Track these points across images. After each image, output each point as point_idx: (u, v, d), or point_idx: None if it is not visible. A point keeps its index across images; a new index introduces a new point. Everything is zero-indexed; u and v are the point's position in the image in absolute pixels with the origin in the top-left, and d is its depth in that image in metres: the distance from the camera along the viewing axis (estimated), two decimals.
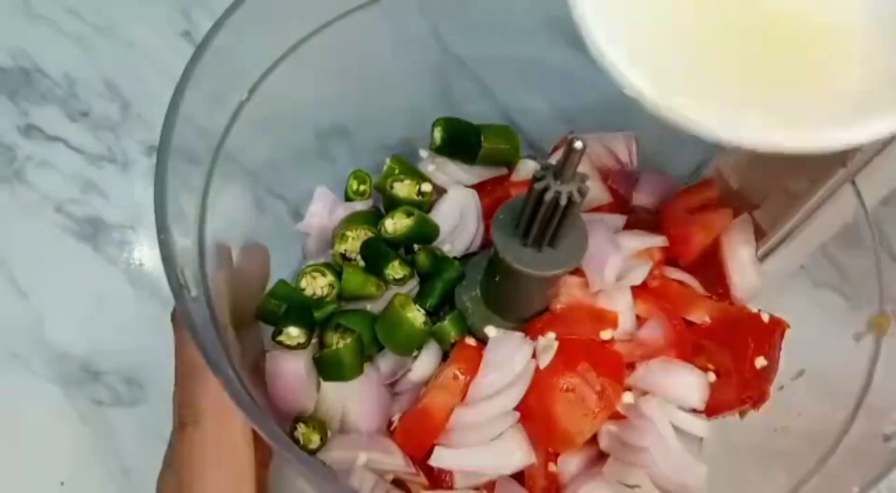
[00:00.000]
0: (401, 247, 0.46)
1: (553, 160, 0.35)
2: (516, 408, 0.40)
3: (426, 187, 0.47)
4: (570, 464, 0.41)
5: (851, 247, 0.42)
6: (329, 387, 0.42)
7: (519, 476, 0.40)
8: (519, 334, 0.42)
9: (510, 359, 0.40)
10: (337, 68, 0.46)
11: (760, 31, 0.24)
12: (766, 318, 0.43)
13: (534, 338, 0.41)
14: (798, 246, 0.46)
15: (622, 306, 0.43)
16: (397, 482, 0.40)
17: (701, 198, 0.49)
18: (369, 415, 0.42)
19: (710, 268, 0.48)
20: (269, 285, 0.43)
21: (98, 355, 0.53)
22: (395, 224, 0.45)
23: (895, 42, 0.24)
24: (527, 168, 0.50)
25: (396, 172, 0.49)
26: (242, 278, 0.40)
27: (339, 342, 0.41)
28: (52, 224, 0.58)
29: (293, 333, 0.40)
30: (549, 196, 0.34)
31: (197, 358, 0.32)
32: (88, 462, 0.50)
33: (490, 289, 0.43)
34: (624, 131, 0.52)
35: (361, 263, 0.45)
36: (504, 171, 0.51)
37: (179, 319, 0.33)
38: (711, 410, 0.42)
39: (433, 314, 0.44)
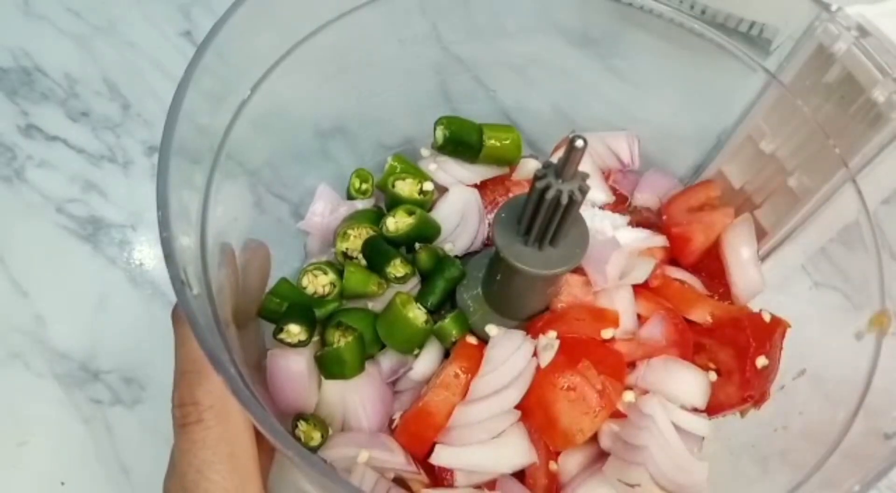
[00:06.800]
0: (402, 246, 0.46)
1: (554, 159, 0.35)
2: (517, 407, 0.40)
3: (428, 186, 0.47)
4: (570, 462, 0.41)
5: (852, 247, 0.41)
6: (330, 385, 0.42)
7: (520, 475, 0.40)
8: (520, 333, 0.42)
9: (511, 358, 0.40)
10: (338, 68, 0.46)
11: None
12: (767, 317, 0.43)
13: (535, 337, 0.41)
14: (799, 246, 0.46)
15: (623, 305, 0.43)
16: (398, 481, 0.40)
17: (702, 197, 0.49)
18: (370, 413, 0.42)
19: (712, 267, 0.48)
20: (271, 284, 0.43)
21: (98, 355, 0.53)
22: (397, 223, 0.45)
23: None
24: (528, 167, 0.50)
25: (398, 170, 0.49)
26: (244, 276, 0.40)
27: (340, 341, 0.41)
28: (53, 224, 0.58)
29: (294, 330, 0.40)
30: (550, 195, 0.34)
31: (199, 356, 0.32)
32: (88, 462, 0.49)
33: (491, 288, 0.43)
34: (625, 131, 0.52)
35: (363, 261, 0.45)
36: (505, 170, 0.51)
37: (182, 316, 0.33)
38: (712, 409, 0.42)
39: (434, 313, 0.44)
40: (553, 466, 0.40)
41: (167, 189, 0.30)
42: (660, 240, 0.48)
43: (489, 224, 0.48)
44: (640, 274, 0.45)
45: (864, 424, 0.36)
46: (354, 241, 0.45)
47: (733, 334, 0.43)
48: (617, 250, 0.43)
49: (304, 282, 0.43)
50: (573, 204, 0.35)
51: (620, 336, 0.43)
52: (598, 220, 0.47)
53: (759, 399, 0.42)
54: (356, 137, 0.52)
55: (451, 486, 0.39)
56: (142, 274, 0.56)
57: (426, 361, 0.43)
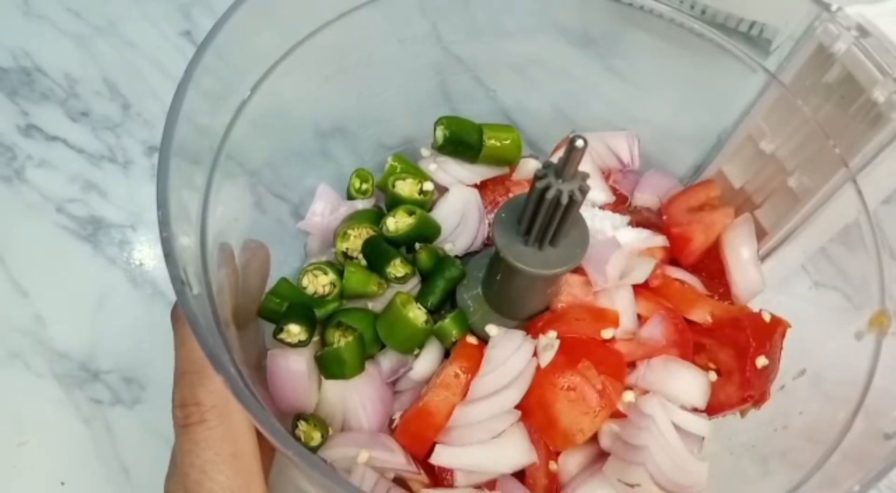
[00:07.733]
0: (402, 246, 0.46)
1: (554, 159, 0.35)
2: (517, 407, 0.40)
3: (428, 186, 0.47)
4: (570, 462, 0.41)
5: (852, 247, 0.42)
6: (330, 385, 0.42)
7: (520, 475, 0.40)
8: (520, 333, 0.42)
9: (511, 358, 0.40)
10: (338, 68, 0.46)
11: None
12: (767, 317, 0.43)
13: (535, 337, 0.41)
14: (799, 246, 0.46)
15: (623, 305, 0.43)
16: (398, 481, 0.40)
17: (702, 197, 0.49)
18: (370, 413, 0.42)
19: (712, 267, 0.48)
20: (271, 284, 0.43)
21: (98, 355, 0.53)
22: (397, 223, 0.45)
23: None
24: (528, 167, 0.50)
25: (398, 170, 0.49)
26: (244, 276, 0.40)
27: (340, 341, 0.41)
28: (53, 224, 0.58)
29: (294, 330, 0.40)
30: (550, 195, 0.34)
31: (199, 356, 0.32)
32: (88, 462, 0.49)
33: (491, 288, 0.43)
34: (625, 131, 0.52)
35: (363, 261, 0.45)
36: (505, 170, 0.51)
37: (181, 316, 0.33)
38: (712, 409, 0.42)
39: (434, 313, 0.44)
40: (553, 466, 0.40)
41: (167, 189, 0.30)
42: (660, 240, 0.48)
43: (489, 224, 0.48)
44: (640, 274, 0.45)
45: (864, 424, 0.36)
46: (354, 241, 0.45)
47: (733, 334, 0.43)
48: (617, 250, 0.43)
49: (304, 282, 0.43)
50: (573, 204, 0.35)
51: (620, 336, 0.43)
52: (598, 220, 0.47)
53: (759, 399, 0.42)
54: (356, 137, 0.52)
55: (451, 486, 0.39)
56: (142, 274, 0.56)
57: (426, 361, 0.43)
